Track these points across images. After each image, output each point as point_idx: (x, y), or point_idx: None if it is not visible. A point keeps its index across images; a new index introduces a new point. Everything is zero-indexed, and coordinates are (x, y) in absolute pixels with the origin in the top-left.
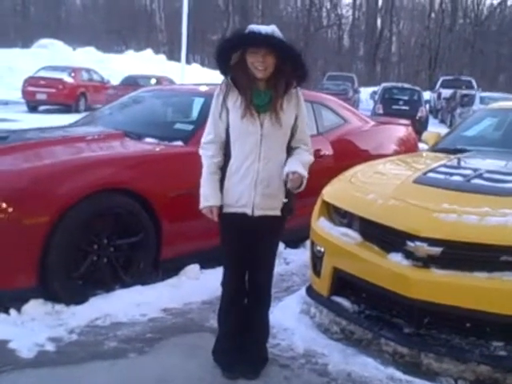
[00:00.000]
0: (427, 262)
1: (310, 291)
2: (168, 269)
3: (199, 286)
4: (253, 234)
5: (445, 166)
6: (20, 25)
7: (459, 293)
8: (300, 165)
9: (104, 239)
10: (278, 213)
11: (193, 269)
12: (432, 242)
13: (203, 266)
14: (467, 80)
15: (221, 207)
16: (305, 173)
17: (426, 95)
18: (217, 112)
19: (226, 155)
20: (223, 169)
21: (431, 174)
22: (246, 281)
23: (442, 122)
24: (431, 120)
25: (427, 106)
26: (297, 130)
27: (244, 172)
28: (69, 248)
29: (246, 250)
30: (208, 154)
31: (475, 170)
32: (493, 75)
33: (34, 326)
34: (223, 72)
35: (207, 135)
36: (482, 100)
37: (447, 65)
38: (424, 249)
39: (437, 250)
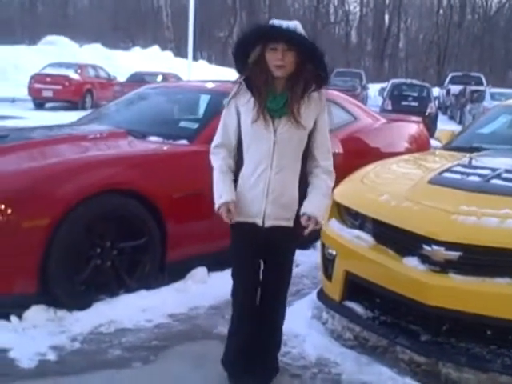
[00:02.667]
0: (445, 266)
1: (321, 295)
2: (174, 272)
3: (206, 290)
4: (264, 245)
5: (461, 165)
6: (27, 22)
7: (479, 300)
8: (320, 205)
9: (107, 242)
10: (290, 224)
11: (200, 272)
12: (450, 245)
13: (211, 269)
14: (476, 76)
15: None
16: (321, 218)
17: (435, 91)
18: (227, 114)
19: (239, 161)
20: (235, 175)
21: (447, 174)
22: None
23: (452, 118)
24: (440, 116)
25: (436, 102)
26: (316, 136)
27: (255, 180)
28: (71, 251)
29: (258, 263)
30: (218, 157)
31: (493, 169)
32: (502, 71)
33: (36, 334)
34: (239, 70)
35: (216, 139)
36: (493, 96)
37: (456, 61)
38: (441, 253)
39: (455, 255)
